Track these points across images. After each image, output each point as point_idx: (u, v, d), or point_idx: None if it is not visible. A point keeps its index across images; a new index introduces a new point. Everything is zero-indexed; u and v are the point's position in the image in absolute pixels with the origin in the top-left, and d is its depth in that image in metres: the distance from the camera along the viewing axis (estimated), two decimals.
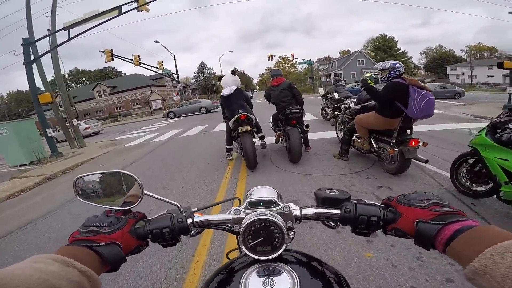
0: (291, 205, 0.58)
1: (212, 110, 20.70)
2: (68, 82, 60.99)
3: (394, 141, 3.24)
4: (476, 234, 0.39)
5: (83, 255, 0.44)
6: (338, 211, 0.56)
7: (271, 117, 5.12)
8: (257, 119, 4.51)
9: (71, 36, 9.39)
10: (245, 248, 0.54)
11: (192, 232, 0.60)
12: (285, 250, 0.55)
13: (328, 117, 8.13)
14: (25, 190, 5.38)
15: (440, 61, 53.57)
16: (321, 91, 24.88)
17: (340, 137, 5.28)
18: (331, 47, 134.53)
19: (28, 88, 9.38)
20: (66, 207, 3.91)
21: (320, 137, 6.13)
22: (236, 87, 4.44)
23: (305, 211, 0.58)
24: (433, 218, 0.46)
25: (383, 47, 53.77)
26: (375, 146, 3.59)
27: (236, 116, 4.14)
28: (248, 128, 4.16)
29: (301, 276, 0.51)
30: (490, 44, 56.85)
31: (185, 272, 1.99)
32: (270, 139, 5.31)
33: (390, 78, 3.14)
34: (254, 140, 4.31)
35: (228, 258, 0.69)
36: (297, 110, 4.26)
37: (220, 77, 4.64)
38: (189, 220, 0.58)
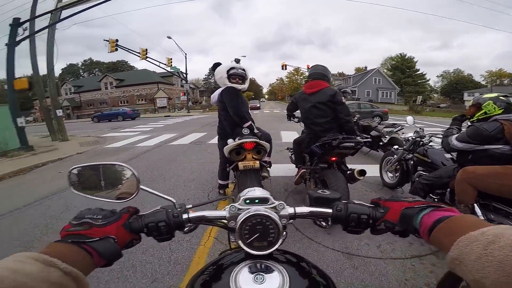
0: (285, 204, 0.58)
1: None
2: (81, 71, 61.48)
3: None
4: (453, 223, 0.41)
5: (71, 253, 0.41)
6: (330, 210, 0.58)
7: (293, 142, 3.30)
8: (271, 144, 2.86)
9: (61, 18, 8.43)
10: (242, 243, 0.55)
11: (186, 228, 0.59)
12: (276, 249, 0.57)
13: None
14: None
15: (458, 86, 51.66)
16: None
17: (388, 180, 3.63)
18: (345, 63, 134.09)
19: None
20: None
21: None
22: (223, 89, 2.86)
23: (299, 210, 0.59)
24: (416, 206, 0.49)
25: (402, 66, 51.81)
26: (481, 218, 2.03)
27: (236, 142, 2.47)
28: (257, 164, 2.46)
29: (291, 275, 0.52)
30: (511, 71, 54.71)
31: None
32: (277, 168, 3.70)
33: None
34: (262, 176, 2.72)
35: None
36: (354, 143, 2.46)
37: (216, 65, 3.00)
38: (185, 216, 0.57)
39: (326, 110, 2.62)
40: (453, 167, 2.35)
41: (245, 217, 0.54)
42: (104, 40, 17.12)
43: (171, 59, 23.41)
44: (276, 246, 0.55)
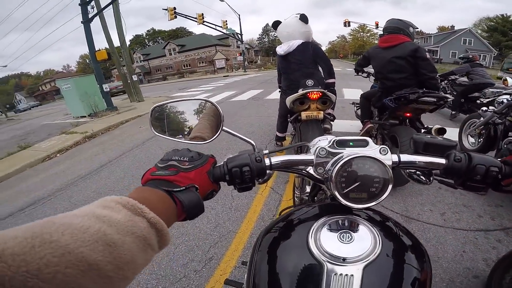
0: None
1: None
2: (146, 41, 66.04)
3: None
4: None
5: (158, 200, 0.37)
6: (444, 160, 0.48)
7: (360, 96, 3.11)
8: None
9: None
10: (338, 194, 0.47)
11: (261, 179, 0.52)
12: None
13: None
14: (63, 151, 5.12)
15: None
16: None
17: (468, 145, 3.22)
18: (425, 22, 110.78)
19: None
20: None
21: None
22: (303, 42, 2.77)
23: (405, 158, 0.50)
24: None
25: (503, 28, 40.57)
26: None
27: (300, 92, 2.32)
28: (321, 114, 2.35)
29: (383, 236, 0.44)
30: None
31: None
32: (339, 123, 3.47)
33: None
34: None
35: None
36: (437, 98, 2.18)
37: (276, 23, 2.96)
38: (266, 161, 0.50)
39: (405, 66, 2.37)
40: None
41: (345, 160, 0.45)
42: (163, 9, 17.68)
43: (226, 21, 23.19)
44: (382, 198, 0.47)
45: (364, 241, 0.43)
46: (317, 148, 0.49)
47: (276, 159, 0.51)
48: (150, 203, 0.33)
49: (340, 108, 5.15)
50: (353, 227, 0.45)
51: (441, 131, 2.18)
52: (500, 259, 1.36)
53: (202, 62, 36.78)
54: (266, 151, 0.54)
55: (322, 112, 2.37)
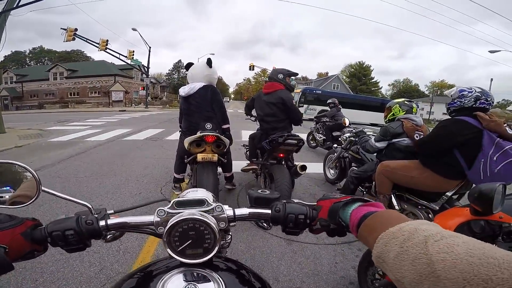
0: (225, 206, 0.55)
1: None
2: (27, 59, 55.51)
3: (438, 208, 2.10)
4: (376, 219, 0.39)
5: None
6: (269, 211, 0.56)
7: (248, 137, 3.40)
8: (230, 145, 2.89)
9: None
10: (171, 251, 0.50)
11: (108, 236, 0.54)
12: (215, 256, 0.53)
13: (314, 144, 6.86)
14: None
15: (405, 95, 57.15)
16: (306, 111, 17.22)
17: (330, 176, 4.02)
18: (310, 68, 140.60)
19: None
20: None
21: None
22: (204, 85, 2.89)
23: (239, 212, 0.56)
24: (342, 200, 0.49)
25: (359, 74, 55.96)
26: (396, 208, 2.37)
27: (198, 135, 2.51)
28: (215, 157, 2.55)
29: (228, 285, 0.48)
30: (452, 82, 62.12)
31: None
32: (238, 164, 3.74)
33: (450, 110, 2.03)
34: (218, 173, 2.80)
35: None
36: (296, 140, 2.72)
37: (189, 65, 3.10)
38: (102, 223, 0.51)
39: (277, 110, 2.89)
40: (375, 162, 2.69)
41: (174, 221, 0.49)
42: (61, 28, 15.74)
43: (133, 51, 22.30)
44: (213, 253, 0.51)
45: None
46: (157, 210, 0.53)
47: (115, 220, 0.53)
48: None
49: (238, 149, 5.43)
50: (200, 279, 0.48)
51: (303, 168, 2.81)
52: (360, 261, 1.72)
53: (95, 92, 32.68)
54: (110, 211, 0.57)
55: (216, 155, 2.55)
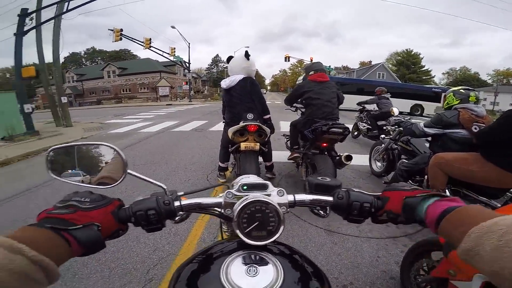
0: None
1: None
2: (83, 60, 61.26)
3: (500, 206, 1.96)
4: (462, 214, 0.39)
5: (44, 240, 0.37)
6: (331, 198, 0.56)
7: (290, 124, 3.40)
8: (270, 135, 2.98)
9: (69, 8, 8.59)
10: (240, 233, 0.52)
11: (177, 218, 0.56)
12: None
13: (356, 133, 6.58)
14: None
15: (463, 83, 51.30)
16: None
17: (376, 169, 3.84)
18: (351, 57, 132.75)
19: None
20: None
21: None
22: (244, 77, 2.96)
23: (299, 197, 0.57)
24: (418, 194, 0.48)
25: (407, 62, 51.50)
26: None
27: (240, 125, 2.66)
28: (257, 146, 2.69)
29: (285, 268, 0.49)
30: None
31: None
32: (278, 154, 3.87)
33: None
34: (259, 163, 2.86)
35: None
36: (342, 129, 2.66)
37: (229, 58, 3.17)
38: (176, 203, 0.54)
39: (335, 97, 2.95)
40: (428, 154, 2.54)
41: (243, 204, 0.51)
42: (108, 29, 17.08)
43: (174, 48, 23.37)
44: (277, 236, 0.52)
45: (267, 274, 0.47)
46: (225, 192, 0.55)
47: (187, 201, 0.55)
48: (32, 242, 0.34)
49: (277, 139, 5.50)
50: (259, 261, 0.50)
51: (349, 158, 2.68)
52: (404, 256, 1.64)
53: (144, 88, 35.26)
54: (181, 193, 0.59)
55: (258, 144, 2.66)
